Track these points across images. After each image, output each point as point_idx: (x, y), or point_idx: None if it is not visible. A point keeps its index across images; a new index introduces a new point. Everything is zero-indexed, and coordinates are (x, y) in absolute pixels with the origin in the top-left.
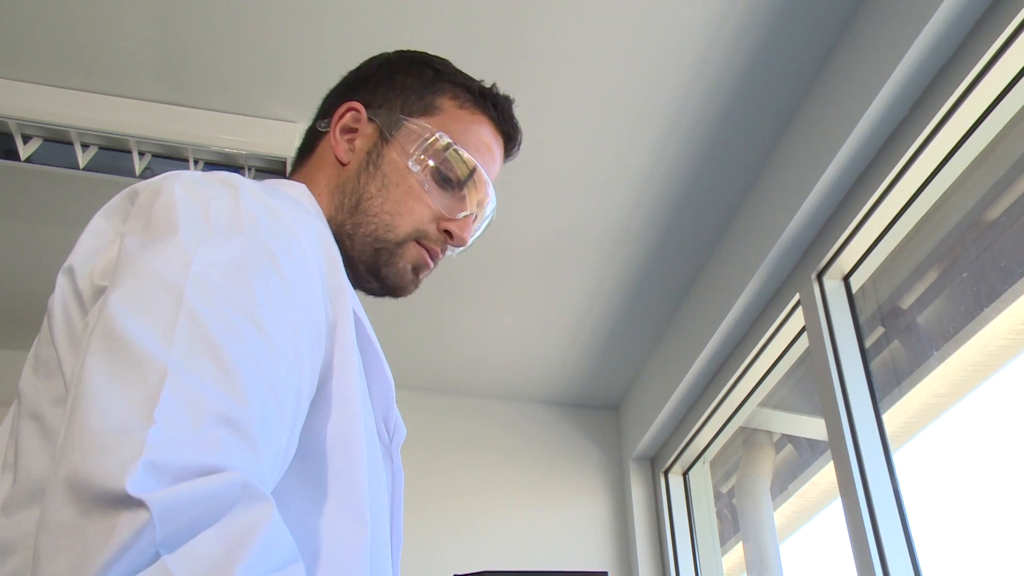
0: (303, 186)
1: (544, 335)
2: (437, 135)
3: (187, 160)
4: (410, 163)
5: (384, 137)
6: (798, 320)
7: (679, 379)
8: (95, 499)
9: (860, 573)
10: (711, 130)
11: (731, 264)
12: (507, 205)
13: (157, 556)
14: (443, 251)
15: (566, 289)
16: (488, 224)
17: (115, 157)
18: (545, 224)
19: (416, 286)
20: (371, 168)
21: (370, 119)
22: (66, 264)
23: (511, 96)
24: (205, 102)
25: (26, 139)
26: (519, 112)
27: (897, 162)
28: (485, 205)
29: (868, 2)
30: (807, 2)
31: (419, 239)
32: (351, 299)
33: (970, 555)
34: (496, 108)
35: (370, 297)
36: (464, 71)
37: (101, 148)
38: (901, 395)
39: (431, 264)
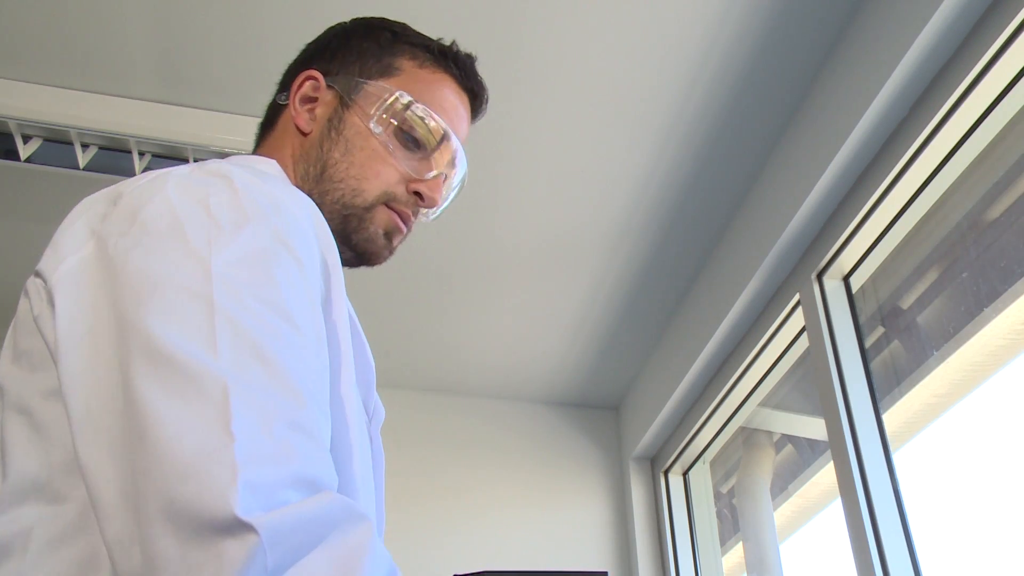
0: (273, 161)
1: (544, 335)
2: (397, 94)
3: (187, 160)
4: (371, 124)
5: (344, 103)
6: (798, 320)
7: (679, 379)
8: (201, 527)
9: (860, 573)
10: (711, 130)
11: (731, 264)
12: (507, 205)
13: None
14: (415, 214)
15: (566, 289)
16: (461, 186)
17: (115, 157)
18: (545, 224)
19: (390, 252)
20: (333, 134)
21: (329, 86)
22: (45, 259)
23: (475, 55)
24: (205, 102)
25: (26, 139)
26: (519, 112)
27: (897, 162)
28: (455, 165)
29: (868, 2)
30: (807, 2)
31: (388, 202)
32: (342, 276)
33: (970, 555)
34: (458, 66)
35: (369, 296)
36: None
37: (101, 148)
38: (901, 395)
39: (403, 228)
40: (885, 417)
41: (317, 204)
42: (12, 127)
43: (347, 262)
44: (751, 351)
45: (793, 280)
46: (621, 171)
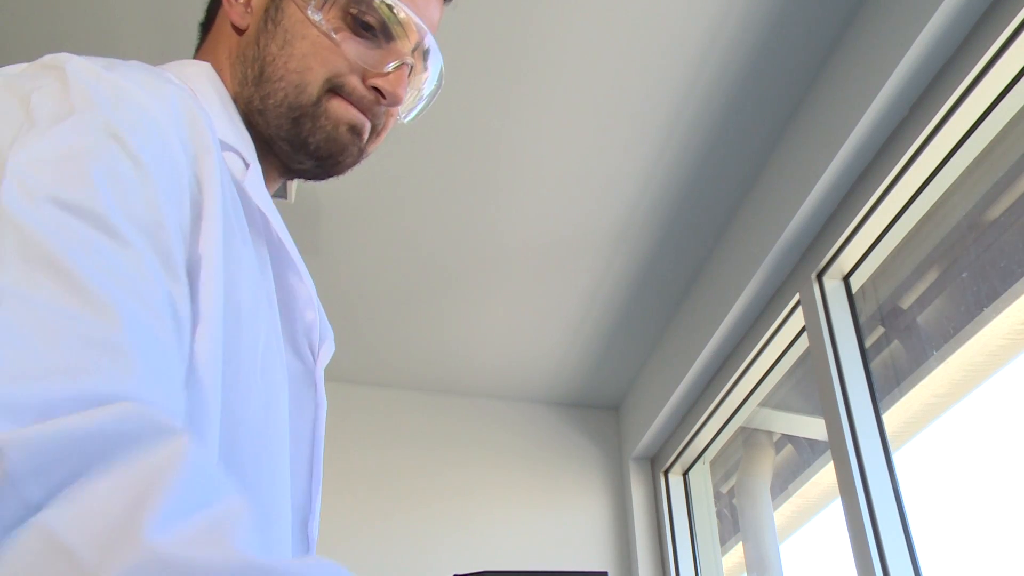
0: (206, 64)
1: (544, 335)
2: None
3: None
4: (309, 11)
5: None
6: (798, 320)
7: (679, 379)
8: None
9: (860, 573)
10: (711, 130)
11: (731, 264)
12: (507, 205)
13: (27, 515)
14: (376, 113)
15: (566, 289)
16: (439, 83)
17: None
18: (545, 224)
19: (360, 152)
20: (270, 27)
21: None
22: None
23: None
24: None
25: None
26: (519, 112)
27: (897, 162)
28: (426, 56)
29: (868, 2)
30: (807, 2)
31: (337, 90)
32: (225, 179)
33: (970, 555)
34: None
35: (369, 296)
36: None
37: None
38: (901, 395)
39: (366, 120)
40: (885, 417)
41: (260, 111)
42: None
43: (310, 175)
44: (751, 351)
45: (793, 280)
46: (621, 171)
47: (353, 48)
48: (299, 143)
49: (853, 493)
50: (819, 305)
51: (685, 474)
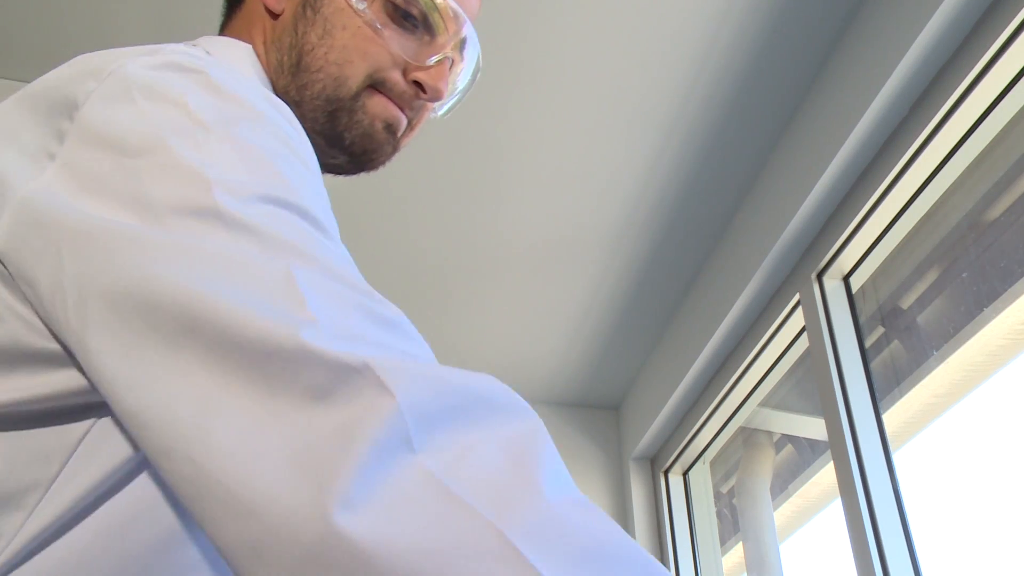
0: (248, 47)
1: (544, 335)
2: None
3: None
4: (354, 0)
5: None
6: (798, 320)
7: (679, 379)
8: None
9: (860, 573)
10: (711, 130)
11: (731, 264)
12: (507, 204)
13: (405, 455)
14: (412, 109)
15: (566, 289)
16: (475, 77)
17: None
18: (545, 224)
19: (394, 149)
20: (309, 14)
21: None
22: None
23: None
24: None
25: None
26: (519, 112)
27: (897, 162)
28: (463, 47)
29: (868, 2)
30: (807, 2)
31: (378, 85)
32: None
33: (970, 555)
34: None
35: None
36: None
37: None
38: (901, 395)
39: (403, 117)
40: (885, 417)
41: (296, 102)
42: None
43: (341, 170)
44: (751, 351)
45: (793, 280)
46: (621, 171)
47: (396, 40)
48: (334, 137)
49: (853, 493)
50: (819, 305)
51: (685, 474)
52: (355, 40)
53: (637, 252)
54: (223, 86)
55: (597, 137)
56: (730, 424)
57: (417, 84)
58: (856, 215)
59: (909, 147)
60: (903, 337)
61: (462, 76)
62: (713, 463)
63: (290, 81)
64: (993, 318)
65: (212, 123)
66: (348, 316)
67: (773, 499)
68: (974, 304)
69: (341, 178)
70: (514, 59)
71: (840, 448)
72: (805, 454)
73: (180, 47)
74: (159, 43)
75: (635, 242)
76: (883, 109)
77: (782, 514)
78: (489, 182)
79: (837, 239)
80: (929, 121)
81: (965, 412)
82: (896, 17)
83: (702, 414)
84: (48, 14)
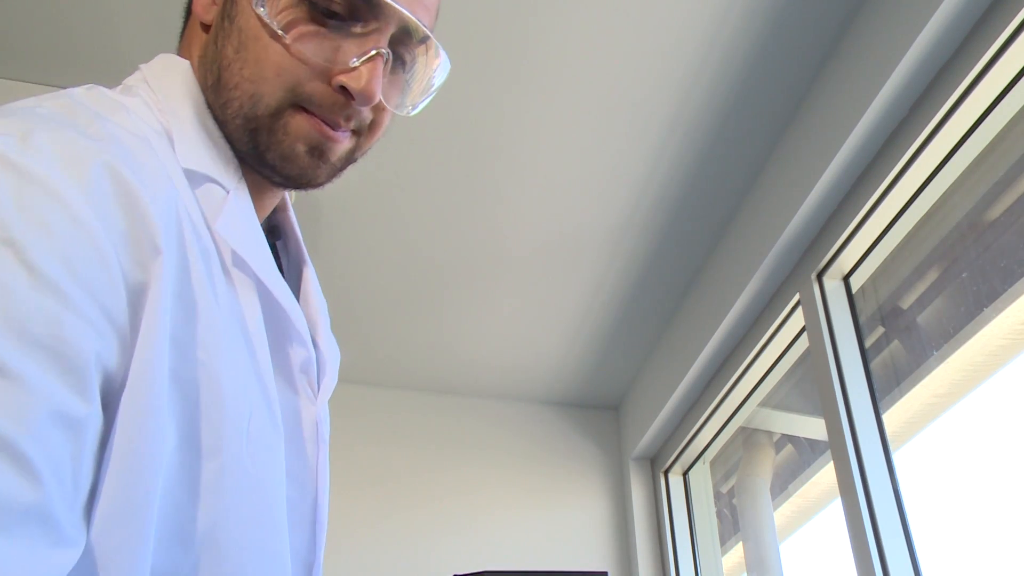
0: (186, 64)
1: (544, 335)
2: None
3: None
4: (254, 2)
5: None
6: (798, 320)
7: (679, 379)
8: None
9: (860, 573)
10: (711, 130)
11: (731, 264)
12: (507, 205)
13: None
14: (347, 119)
15: (566, 289)
16: (440, 68)
17: None
18: (545, 224)
19: (330, 171)
20: (226, 24)
21: None
22: None
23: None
24: None
25: None
26: (519, 112)
27: (897, 162)
28: (407, 40)
29: (868, 2)
30: (807, 2)
31: (302, 103)
32: (191, 236)
33: (970, 555)
34: None
35: (369, 296)
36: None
37: None
38: (901, 395)
39: (331, 138)
40: (885, 417)
41: (222, 121)
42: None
43: (281, 184)
44: (751, 351)
45: (793, 280)
46: (621, 171)
47: (310, 45)
48: (258, 158)
49: (853, 493)
50: (819, 305)
51: (685, 474)
52: (267, 52)
53: (637, 252)
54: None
55: (597, 137)
56: (730, 424)
57: (343, 89)
58: (856, 215)
59: (909, 147)
60: (903, 337)
61: (437, 70)
62: (713, 463)
63: (214, 99)
64: (993, 318)
65: None
66: None
67: (773, 499)
68: (974, 304)
69: (342, 179)
70: (514, 59)
71: (840, 448)
72: (805, 454)
73: (84, 98)
74: (158, 42)
75: (635, 242)
76: (883, 109)
77: (782, 514)
78: (489, 182)
79: (837, 239)
80: (929, 121)
81: (965, 412)
82: (896, 17)
83: (702, 414)
84: (48, 14)
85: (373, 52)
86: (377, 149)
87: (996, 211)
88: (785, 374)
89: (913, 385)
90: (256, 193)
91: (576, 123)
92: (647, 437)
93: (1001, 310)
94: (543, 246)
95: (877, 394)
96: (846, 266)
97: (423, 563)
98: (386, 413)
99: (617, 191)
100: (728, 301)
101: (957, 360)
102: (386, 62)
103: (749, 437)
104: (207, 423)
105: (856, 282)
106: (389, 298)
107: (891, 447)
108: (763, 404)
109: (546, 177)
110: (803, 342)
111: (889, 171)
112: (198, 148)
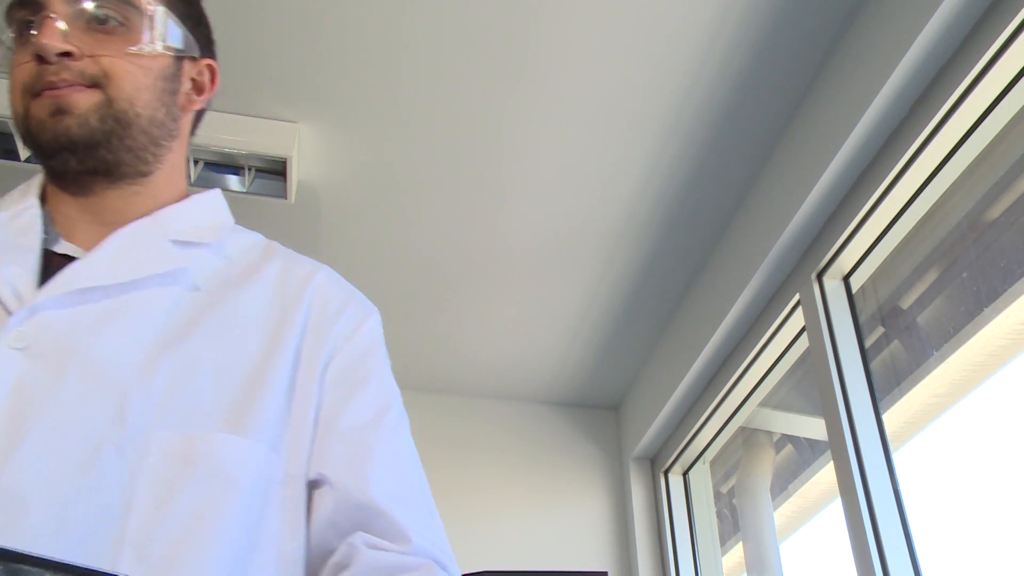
0: None
1: (544, 335)
2: None
3: (187, 159)
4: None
5: None
6: (798, 320)
7: (679, 379)
8: None
9: (860, 573)
10: (711, 130)
11: (731, 264)
12: (507, 205)
13: None
14: (55, 74)
15: (566, 289)
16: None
17: None
18: (545, 224)
19: (77, 122)
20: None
21: None
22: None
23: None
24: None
25: None
26: (519, 112)
27: (897, 162)
28: (44, 5)
29: (868, 2)
30: (807, 2)
31: (29, 92)
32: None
33: (970, 555)
34: None
35: (369, 296)
36: None
37: None
38: (901, 395)
39: (55, 94)
40: (885, 417)
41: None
42: (12, 127)
43: (73, 161)
44: (751, 351)
45: (793, 280)
46: (621, 171)
47: (12, 52)
48: (40, 155)
49: (853, 493)
50: (819, 305)
51: (685, 474)
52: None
53: (637, 252)
54: None
55: (597, 137)
56: (730, 424)
57: (39, 58)
58: (856, 215)
59: (909, 147)
60: (903, 337)
61: (133, 15)
62: (713, 463)
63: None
64: (993, 318)
65: None
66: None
67: (773, 499)
68: (974, 304)
69: (342, 179)
70: (515, 59)
71: (840, 448)
72: (805, 454)
73: None
74: None
75: (635, 242)
76: (883, 109)
77: (782, 514)
78: (489, 182)
79: (837, 239)
80: (929, 121)
81: (965, 412)
82: (896, 17)
83: (702, 414)
84: None
85: (22, 26)
86: (377, 149)
87: (996, 211)
88: (785, 374)
89: (913, 385)
90: (66, 193)
91: (576, 123)
92: (647, 437)
93: (1001, 310)
94: (543, 246)
95: (877, 394)
96: (846, 266)
97: None
98: None
99: (617, 191)
100: (728, 301)
101: (957, 360)
102: (72, 23)
103: (749, 437)
104: None
105: (856, 282)
106: (389, 298)
107: (891, 447)
108: (763, 404)
109: (546, 177)
110: (803, 342)
111: (889, 171)
112: (13, 194)
